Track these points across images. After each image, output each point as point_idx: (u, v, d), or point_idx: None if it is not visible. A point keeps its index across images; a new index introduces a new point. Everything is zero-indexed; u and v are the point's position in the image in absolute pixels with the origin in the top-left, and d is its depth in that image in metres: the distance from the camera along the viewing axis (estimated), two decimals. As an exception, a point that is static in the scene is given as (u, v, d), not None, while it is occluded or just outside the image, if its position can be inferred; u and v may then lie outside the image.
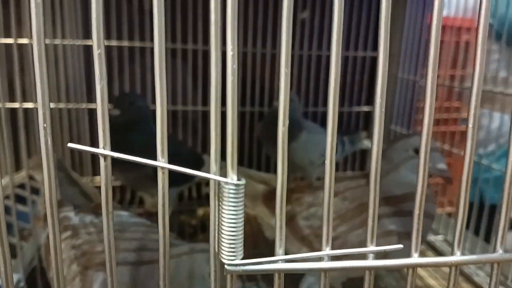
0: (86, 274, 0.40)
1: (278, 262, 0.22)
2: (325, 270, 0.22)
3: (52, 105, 0.81)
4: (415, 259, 0.24)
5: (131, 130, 0.69)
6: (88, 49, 0.86)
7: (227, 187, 0.20)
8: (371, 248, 0.22)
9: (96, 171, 0.92)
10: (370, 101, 0.99)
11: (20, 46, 0.71)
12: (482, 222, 0.69)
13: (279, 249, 0.22)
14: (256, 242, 0.58)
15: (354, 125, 0.98)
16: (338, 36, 0.21)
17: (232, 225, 0.20)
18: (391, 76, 0.98)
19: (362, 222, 0.51)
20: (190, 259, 0.38)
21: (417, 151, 0.53)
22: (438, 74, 0.26)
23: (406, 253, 0.24)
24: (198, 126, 0.93)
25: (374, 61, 0.98)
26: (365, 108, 0.99)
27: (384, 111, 0.94)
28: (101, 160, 0.20)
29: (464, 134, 0.25)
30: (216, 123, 0.20)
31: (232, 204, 0.20)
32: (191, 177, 0.82)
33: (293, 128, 0.83)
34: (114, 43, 0.85)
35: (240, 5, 0.20)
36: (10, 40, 0.66)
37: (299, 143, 0.81)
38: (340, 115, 0.97)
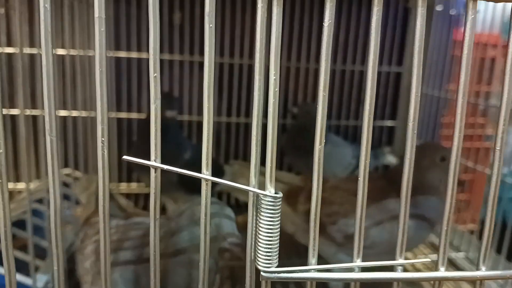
0: (112, 270, 0.41)
1: (311, 271, 0.23)
2: (356, 281, 0.24)
3: (84, 113, 0.84)
4: (442, 272, 0.25)
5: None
6: (118, 61, 0.89)
7: (266, 200, 0.21)
8: (401, 261, 0.23)
9: (122, 178, 0.94)
10: (394, 115, 0.99)
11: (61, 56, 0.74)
12: (505, 241, 0.69)
13: (312, 258, 0.23)
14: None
15: (377, 139, 0.98)
16: (375, 54, 0.22)
17: (269, 234, 0.21)
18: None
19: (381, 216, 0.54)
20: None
21: (443, 159, 0.55)
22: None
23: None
24: (221, 136, 0.94)
25: (398, 76, 0.98)
26: (389, 123, 0.99)
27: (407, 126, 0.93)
28: (152, 171, 0.22)
29: (488, 150, 0.26)
30: (257, 140, 0.21)
31: (269, 215, 0.21)
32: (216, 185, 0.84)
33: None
34: (134, 54, 0.89)
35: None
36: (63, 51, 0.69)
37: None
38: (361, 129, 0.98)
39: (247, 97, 0.95)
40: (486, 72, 1.13)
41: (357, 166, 0.88)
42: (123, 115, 0.91)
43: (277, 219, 0.21)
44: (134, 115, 0.92)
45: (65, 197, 0.72)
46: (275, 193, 0.21)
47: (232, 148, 0.95)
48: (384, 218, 0.55)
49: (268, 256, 0.22)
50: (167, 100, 0.77)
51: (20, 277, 0.51)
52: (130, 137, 0.92)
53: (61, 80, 0.81)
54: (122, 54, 0.88)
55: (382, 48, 0.96)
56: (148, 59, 0.87)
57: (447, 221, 0.25)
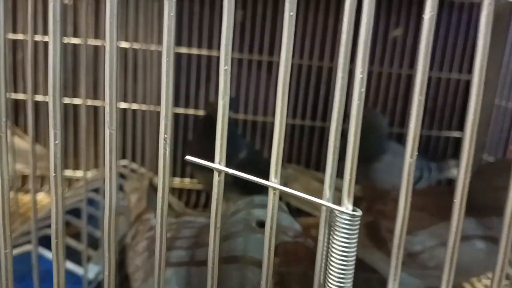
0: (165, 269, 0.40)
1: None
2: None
3: (144, 107, 0.85)
4: None
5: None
6: (178, 56, 0.89)
7: (342, 217, 0.18)
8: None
9: (175, 173, 0.94)
10: (462, 126, 0.93)
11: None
12: None
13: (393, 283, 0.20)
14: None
15: (442, 151, 0.92)
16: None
17: (344, 258, 0.19)
18: (486, 103, 0.91)
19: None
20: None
21: None
22: None
23: None
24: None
25: (468, 84, 0.92)
26: (456, 134, 0.93)
27: (476, 139, 0.88)
28: (215, 175, 0.20)
29: None
30: (335, 147, 0.18)
31: (346, 235, 0.18)
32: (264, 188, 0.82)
33: (377, 147, 0.80)
34: (204, 52, 0.88)
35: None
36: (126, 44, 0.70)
37: (382, 164, 0.77)
38: (428, 139, 0.93)
39: (298, 98, 0.92)
40: None
41: (420, 178, 0.83)
42: (180, 110, 0.91)
43: (354, 240, 0.19)
44: (191, 111, 0.92)
45: (121, 188, 0.72)
46: (353, 210, 0.19)
47: (286, 150, 0.93)
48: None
49: (341, 281, 0.19)
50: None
51: (71, 266, 0.51)
52: (186, 133, 0.92)
53: (123, 73, 0.82)
54: (183, 50, 0.88)
55: (452, 54, 0.90)
56: (207, 56, 0.86)
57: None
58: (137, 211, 0.57)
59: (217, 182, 0.19)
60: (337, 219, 0.19)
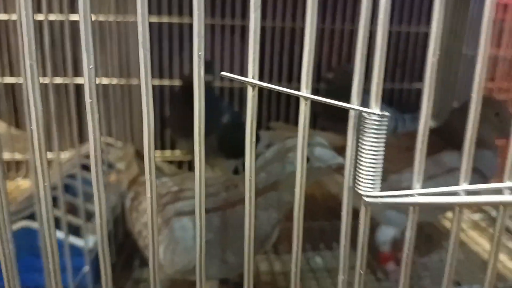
0: (168, 222, 0.41)
1: (414, 196, 0.22)
2: (459, 205, 0.23)
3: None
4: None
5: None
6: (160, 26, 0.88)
7: (371, 118, 0.20)
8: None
9: (164, 145, 0.94)
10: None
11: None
12: None
13: (417, 183, 0.22)
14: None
15: (414, 102, 0.96)
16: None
17: (373, 157, 0.20)
18: (455, 53, 0.95)
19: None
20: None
21: (497, 114, 0.54)
22: None
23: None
24: (263, 100, 0.93)
25: (427, 36, 0.95)
26: (418, 85, 0.97)
27: (446, 88, 0.93)
28: (249, 89, 0.20)
29: None
30: (362, 56, 0.20)
31: (375, 135, 0.20)
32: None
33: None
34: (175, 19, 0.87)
35: None
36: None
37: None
38: (400, 91, 0.96)
39: (282, 61, 0.92)
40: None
41: (396, 128, 0.86)
42: (155, 82, 0.90)
43: (382, 140, 0.20)
44: (166, 82, 0.91)
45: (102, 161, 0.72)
46: (382, 112, 0.20)
47: (274, 109, 0.93)
48: (438, 171, 0.54)
49: (371, 180, 0.21)
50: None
51: (72, 239, 0.51)
52: (162, 105, 0.91)
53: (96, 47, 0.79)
54: (154, 19, 0.87)
55: (411, 7, 0.92)
56: (179, 24, 0.84)
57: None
58: (130, 177, 0.57)
59: (251, 97, 0.20)
60: (366, 121, 0.20)
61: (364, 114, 0.20)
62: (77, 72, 0.71)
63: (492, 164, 0.56)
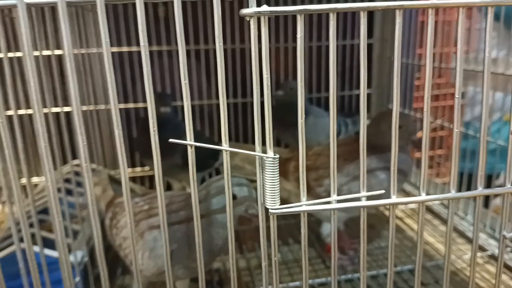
0: (142, 235, 0.51)
1: (303, 206, 0.32)
2: (334, 209, 0.33)
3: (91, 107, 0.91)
4: (394, 199, 0.34)
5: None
6: (121, 55, 0.96)
7: (268, 160, 0.30)
8: (364, 193, 0.33)
9: (133, 163, 1.03)
10: (369, 84, 1.09)
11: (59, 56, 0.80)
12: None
13: (303, 197, 0.32)
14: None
15: (355, 107, 1.07)
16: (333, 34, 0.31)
17: (273, 183, 0.30)
18: (386, 60, 1.07)
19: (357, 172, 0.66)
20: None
21: (400, 126, 0.65)
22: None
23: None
24: (214, 118, 1.03)
25: (370, 47, 1.07)
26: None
27: (381, 92, 1.07)
28: (189, 148, 0.30)
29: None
30: (258, 117, 0.30)
31: (272, 170, 0.30)
32: (213, 163, 0.93)
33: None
34: (134, 48, 0.96)
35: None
36: (48, 52, 0.75)
37: (307, 127, 0.90)
38: (342, 98, 1.07)
39: (235, 80, 1.02)
40: (453, 34, 1.22)
41: (339, 133, 0.98)
42: (121, 106, 0.99)
43: (277, 173, 0.30)
44: (131, 105, 1.00)
45: (79, 184, 0.80)
46: (274, 155, 0.30)
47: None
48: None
49: (273, 198, 0.31)
50: (159, 97, 0.85)
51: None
52: (129, 126, 1.00)
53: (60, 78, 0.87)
54: (114, 49, 0.96)
55: (353, 22, 1.04)
56: (138, 52, 0.93)
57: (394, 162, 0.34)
58: (106, 200, 0.66)
59: (190, 154, 0.30)
60: (265, 162, 0.30)
61: (263, 156, 0.30)
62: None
63: (409, 164, 0.68)
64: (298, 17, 0.30)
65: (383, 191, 0.34)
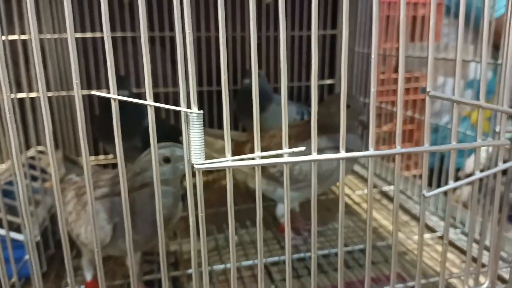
0: (85, 207, 0.51)
1: (228, 161, 0.33)
2: (258, 165, 0.34)
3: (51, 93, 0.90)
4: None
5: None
6: (84, 41, 0.96)
7: (193, 116, 0.31)
8: (286, 150, 0.34)
9: (95, 151, 1.02)
10: (332, 74, 1.11)
11: (24, 41, 0.79)
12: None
13: (228, 153, 0.33)
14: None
15: (319, 96, 1.09)
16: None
17: (198, 139, 0.31)
18: (350, 51, 1.09)
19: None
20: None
21: (348, 106, 0.66)
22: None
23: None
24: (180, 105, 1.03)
25: (333, 38, 1.09)
26: (328, 81, 1.10)
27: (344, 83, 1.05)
28: (112, 103, 0.31)
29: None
30: (182, 77, 0.30)
31: (196, 126, 0.31)
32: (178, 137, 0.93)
33: (263, 101, 0.95)
34: (98, 34, 0.96)
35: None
36: (15, 37, 0.74)
37: (269, 113, 0.92)
38: (307, 88, 1.09)
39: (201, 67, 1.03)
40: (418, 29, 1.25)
41: (302, 117, 0.99)
42: (84, 92, 0.98)
43: (201, 129, 0.31)
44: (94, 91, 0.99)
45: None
46: (199, 110, 0.31)
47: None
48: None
49: (198, 153, 0.32)
50: (118, 81, 0.84)
51: (14, 235, 0.60)
52: (92, 113, 1.00)
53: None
54: (78, 35, 0.95)
55: (317, 13, 1.05)
56: (102, 38, 0.94)
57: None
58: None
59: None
60: (190, 118, 0.31)
61: (188, 113, 0.31)
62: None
63: (358, 144, 0.70)
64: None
65: (303, 148, 0.35)
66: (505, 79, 0.37)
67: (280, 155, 0.35)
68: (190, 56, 0.30)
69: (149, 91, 0.31)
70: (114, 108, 0.32)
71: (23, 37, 0.78)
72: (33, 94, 0.80)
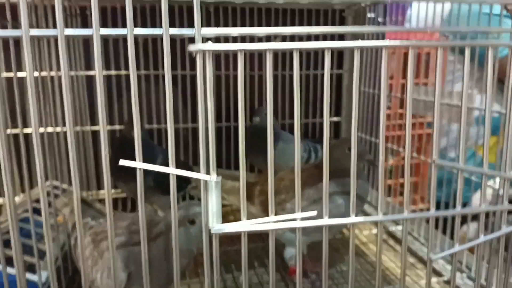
0: (102, 255, 0.53)
1: (245, 225, 0.35)
2: (271, 230, 0.36)
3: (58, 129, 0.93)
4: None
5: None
6: (90, 79, 0.99)
7: (211, 182, 0.32)
8: (299, 214, 0.36)
9: (100, 186, 1.04)
10: (338, 112, 1.13)
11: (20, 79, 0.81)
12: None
13: (244, 217, 0.35)
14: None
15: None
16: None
17: (216, 204, 0.33)
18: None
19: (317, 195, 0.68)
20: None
21: (349, 149, 0.68)
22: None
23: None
24: (189, 141, 1.05)
25: (339, 77, 1.12)
26: (335, 119, 1.13)
27: (351, 120, 1.08)
28: (138, 171, 0.33)
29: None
30: (203, 142, 0.32)
31: (216, 192, 0.33)
32: (185, 186, 0.95)
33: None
34: (113, 72, 0.99)
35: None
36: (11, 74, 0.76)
37: (277, 151, 0.94)
38: (313, 125, 1.11)
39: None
40: (422, 66, 1.28)
41: (308, 159, 1.01)
42: (96, 127, 1.01)
43: (219, 195, 0.33)
44: (107, 127, 1.01)
45: (50, 205, 0.81)
46: (217, 178, 0.33)
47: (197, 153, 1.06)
48: (319, 196, 0.67)
49: (216, 219, 0.33)
50: (130, 120, 0.87)
51: (29, 275, 0.61)
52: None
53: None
54: (92, 72, 0.98)
55: (323, 53, 1.08)
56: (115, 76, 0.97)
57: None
58: (73, 220, 0.68)
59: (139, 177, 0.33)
60: (209, 184, 0.33)
61: (206, 179, 0.33)
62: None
63: (365, 188, 0.71)
64: (239, 55, 0.33)
65: (315, 212, 0.37)
66: (507, 147, 0.39)
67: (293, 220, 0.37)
68: (211, 125, 0.32)
69: (171, 160, 0.33)
70: (139, 177, 0.33)
71: (50, 73, 0.81)
72: (50, 129, 0.83)
